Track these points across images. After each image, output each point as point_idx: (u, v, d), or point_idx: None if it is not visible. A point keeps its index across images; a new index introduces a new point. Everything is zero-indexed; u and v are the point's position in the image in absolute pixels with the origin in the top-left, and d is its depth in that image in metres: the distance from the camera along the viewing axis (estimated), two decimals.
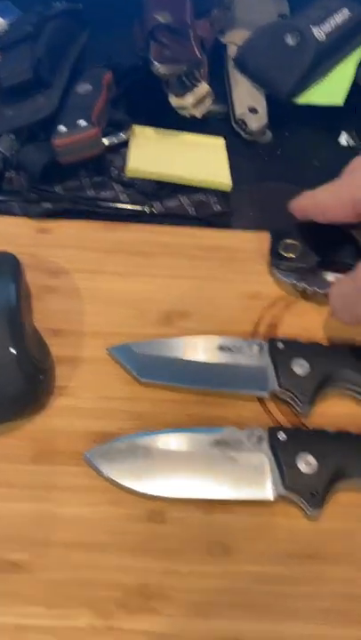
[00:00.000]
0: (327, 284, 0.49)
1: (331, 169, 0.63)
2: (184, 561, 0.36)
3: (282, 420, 0.43)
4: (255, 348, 0.44)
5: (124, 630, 0.34)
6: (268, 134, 0.66)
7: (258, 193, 0.61)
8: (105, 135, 0.59)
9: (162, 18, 0.59)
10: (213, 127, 0.65)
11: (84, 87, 0.59)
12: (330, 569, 0.37)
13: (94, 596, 0.35)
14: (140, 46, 0.61)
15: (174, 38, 0.59)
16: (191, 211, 0.57)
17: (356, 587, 0.36)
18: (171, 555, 0.37)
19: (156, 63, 0.57)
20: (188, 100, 0.61)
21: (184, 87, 0.61)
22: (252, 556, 0.37)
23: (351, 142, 0.66)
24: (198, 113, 0.62)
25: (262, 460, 0.39)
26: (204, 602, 0.35)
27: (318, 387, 0.42)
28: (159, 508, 0.38)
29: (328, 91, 0.65)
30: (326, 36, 0.64)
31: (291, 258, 0.49)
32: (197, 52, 0.59)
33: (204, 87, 0.61)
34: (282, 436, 0.39)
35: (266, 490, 0.38)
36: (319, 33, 0.64)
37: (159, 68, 0.57)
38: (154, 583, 0.36)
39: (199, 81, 0.61)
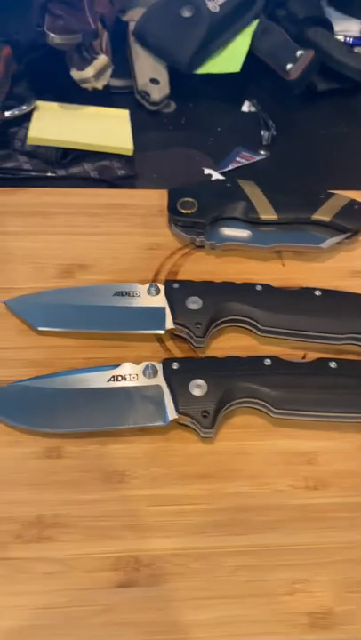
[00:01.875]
0: (223, 237, 0.51)
1: (233, 133, 0.67)
2: (80, 491, 0.37)
3: (180, 356, 0.44)
4: (152, 291, 0.45)
5: (21, 559, 0.34)
6: (172, 105, 0.69)
7: (162, 158, 0.63)
8: (6, 109, 0.60)
9: None
10: (119, 101, 0.67)
11: None
12: (224, 485, 0.37)
13: None
14: (37, 22, 0.61)
15: (68, 10, 0.60)
16: (94, 174, 0.58)
17: (250, 498, 0.37)
18: (67, 486, 0.37)
19: (50, 34, 0.59)
20: (89, 72, 0.62)
21: (85, 61, 0.62)
22: (148, 481, 0.37)
23: (252, 109, 0.69)
24: (100, 85, 0.63)
25: (157, 389, 0.39)
26: (99, 526, 0.35)
27: (211, 320, 0.43)
28: (56, 444, 0.39)
29: (226, 60, 0.68)
30: (220, 7, 0.67)
31: (188, 214, 0.51)
32: (92, 22, 0.60)
33: (102, 58, 0.62)
34: (175, 365, 0.40)
35: (160, 416, 0.39)
36: (213, 5, 0.67)
37: (54, 37, 0.59)
38: (50, 514, 0.36)
39: (98, 53, 0.63)
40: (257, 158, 0.63)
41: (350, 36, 0.76)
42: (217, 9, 0.67)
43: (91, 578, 0.34)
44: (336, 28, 0.75)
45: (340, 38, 0.75)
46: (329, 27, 0.73)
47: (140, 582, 0.34)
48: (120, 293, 0.45)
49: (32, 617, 0.32)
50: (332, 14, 0.79)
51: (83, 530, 0.35)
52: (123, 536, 0.35)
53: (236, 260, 0.50)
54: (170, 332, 0.44)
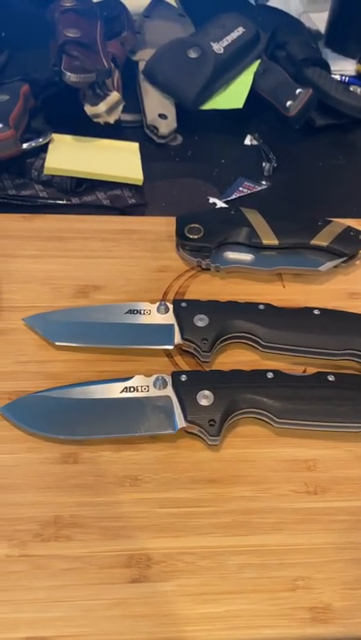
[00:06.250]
0: (227, 261, 0.55)
1: (237, 165, 0.71)
2: (95, 494, 0.39)
3: (187, 369, 0.47)
4: (162, 309, 0.48)
5: (40, 556, 0.36)
6: (179, 138, 0.73)
7: (170, 187, 0.67)
8: (25, 141, 0.64)
9: (71, 34, 0.65)
10: (130, 135, 0.71)
11: (1, 97, 0.64)
12: (230, 490, 0.40)
13: (10, 530, 0.37)
14: (54, 61, 0.66)
15: (84, 51, 0.65)
16: (106, 202, 0.62)
17: (254, 502, 0.39)
18: (83, 489, 0.39)
19: (67, 73, 0.63)
20: (101, 107, 0.67)
21: (98, 97, 0.67)
22: (159, 485, 0.40)
23: (254, 142, 0.73)
24: (112, 119, 0.68)
25: (166, 400, 0.42)
26: (113, 526, 0.38)
27: (217, 336, 0.46)
28: (72, 450, 0.41)
29: (230, 97, 0.73)
30: (224, 49, 0.72)
31: (195, 239, 0.54)
32: (105, 63, 0.65)
33: (115, 95, 0.67)
34: (183, 377, 0.43)
35: (169, 425, 0.41)
36: (218, 47, 0.72)
37: (70, 76, 0.63)
38: (67, 514, 0.38)
39: (111, 90, 0.67)
40: (259, 188, 0.67)
41: (346, 75, 0.81)
42: (221, 50, 0.72)
43: (105, 574, 0.36)
44: (333, 67, 0.79)
45: (337, 77, 0.79)
46: (326, 67, 0.77)
47: (152, 578, 0.36)
48: (131, 311, 0.48)
49: (50, 609, 0.35)
50: (329, 55, 0.84)
51: (97, 529, 0.38)
52: (135, 535, 0.38)
53: (240, 282, 0.54)
54: (178, 347, 0.47)
